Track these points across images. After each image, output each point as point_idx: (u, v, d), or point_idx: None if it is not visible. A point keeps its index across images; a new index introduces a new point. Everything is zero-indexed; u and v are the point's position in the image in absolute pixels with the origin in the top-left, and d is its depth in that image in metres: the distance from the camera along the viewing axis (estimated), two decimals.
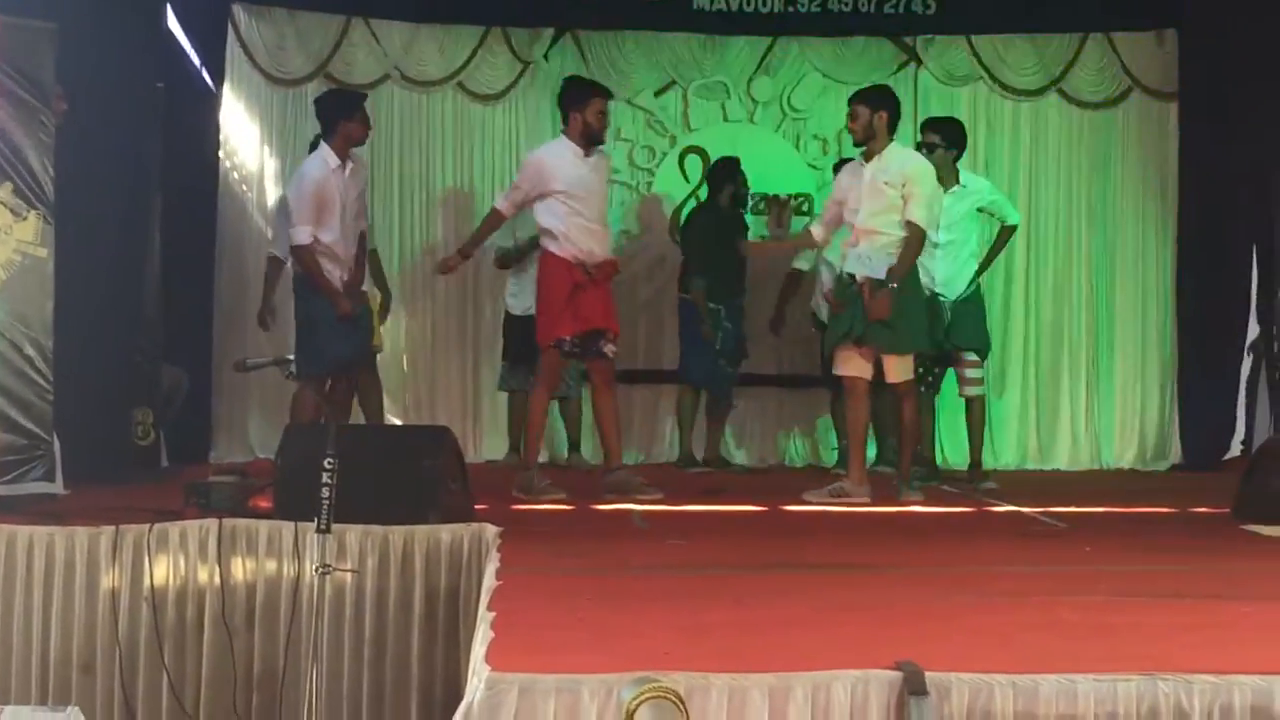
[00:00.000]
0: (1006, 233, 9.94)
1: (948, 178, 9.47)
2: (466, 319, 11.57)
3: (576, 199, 8.77)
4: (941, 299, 9.50)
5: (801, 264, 10.98)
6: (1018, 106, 11.79)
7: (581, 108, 8.85)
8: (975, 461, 9.82)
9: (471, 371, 11.69)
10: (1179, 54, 11.69)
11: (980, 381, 9.76)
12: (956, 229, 9.55)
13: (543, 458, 10.69)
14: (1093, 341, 11.81)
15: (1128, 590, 5.68)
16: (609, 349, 8.94)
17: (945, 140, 9.61)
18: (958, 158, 9.69)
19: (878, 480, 9.07)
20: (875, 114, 8.80)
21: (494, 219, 9.01)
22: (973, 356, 9.65)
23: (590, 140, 8.87)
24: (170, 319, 9.77)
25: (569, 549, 6.76)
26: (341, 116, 8.93)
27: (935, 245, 9.39)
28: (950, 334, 9.53)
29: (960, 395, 9.82)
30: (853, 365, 8.78)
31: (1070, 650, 4.48)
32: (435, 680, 6.83)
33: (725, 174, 10.93)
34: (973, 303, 9.69)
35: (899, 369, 8.82)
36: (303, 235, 8.84)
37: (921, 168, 8.87)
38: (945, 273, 9.54)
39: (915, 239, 8.70)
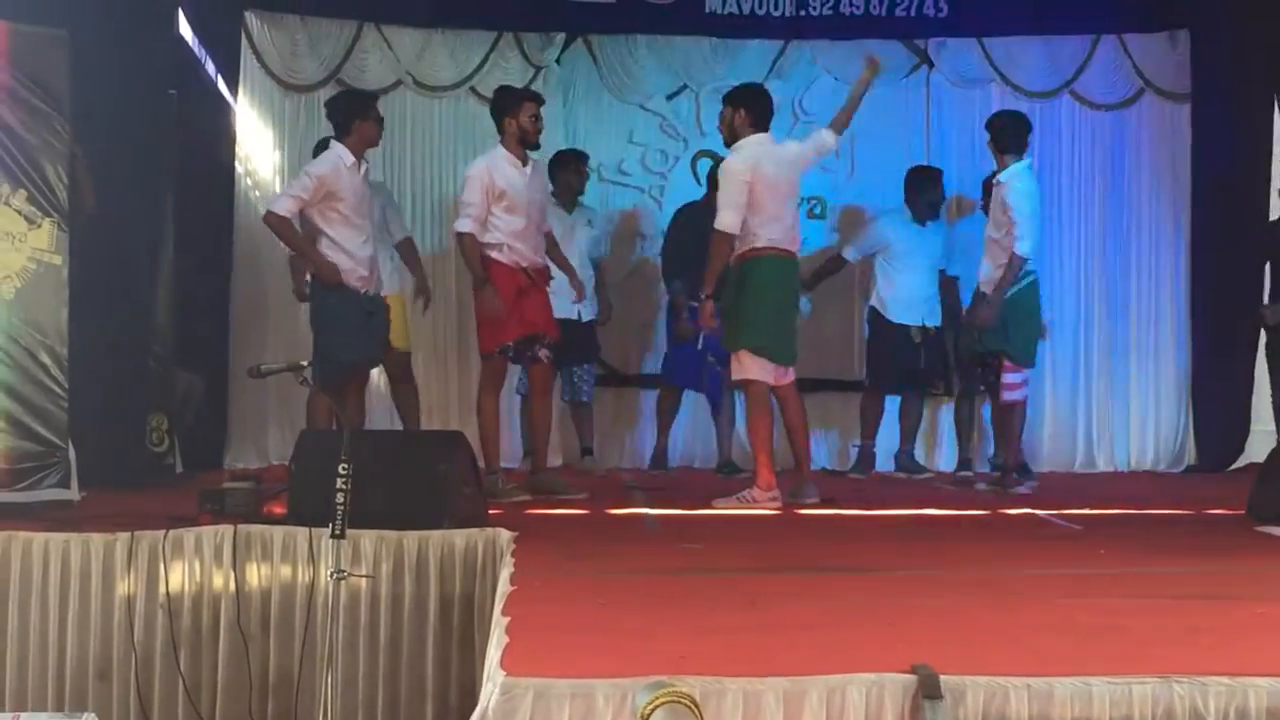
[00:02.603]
0: (1012, 259, 9.34)
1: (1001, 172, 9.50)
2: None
3: (518, 209, 8.87)
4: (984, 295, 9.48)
5: (849, 253, 11.03)
6: (1030, 108, 11.78)
7: (515, 113, 8.97)
8: (1005, 465, 9.76)
9: None
10: (1191, 55, 11.69)
11: (1015, 386, 9.55)
12: (995, 225, 9.44)
13: (556, 460, 10.75)
14: (1107, 343, 11.81)
15: (1142, 592, 5.68)
16: (544, 354, 9.07)
17: (992, 134, 9.64)
18: (1003, 148, 9.56)
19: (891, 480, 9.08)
20: (735, 112, 8.85)
21: (472, 242, 8.84)
22: (1006, 361, 9.53)
23: (526, 145, 9.00)
24: (185, 325, 9.80)
25: (583, 553, 6.76)
26: (357, 116, 8.87)
27: (988, 241, 9.49)
28: (983, 337, 9.47)
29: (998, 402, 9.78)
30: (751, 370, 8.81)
31: (1085, 653, 4.47)
32: (450, 685, 6.83)
33: (713, 176, 10.95)
34: (1014, 305, 9.44)
35: (733, 367, 8.93)
36: (283, 205, 8.71)
37: (726, 166, 8.79)
38: (987, 271, 9.49)
39: (713, 242, 8.72)
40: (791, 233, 8.85)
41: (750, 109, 8.84)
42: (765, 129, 8.86)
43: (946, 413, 11.72)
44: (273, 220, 8.73)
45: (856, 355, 11.34)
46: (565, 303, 10.34)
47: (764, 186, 8.65)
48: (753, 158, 8.71)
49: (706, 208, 10.77)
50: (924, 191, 10.94)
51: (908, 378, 10.99)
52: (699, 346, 10.66)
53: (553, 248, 9.52)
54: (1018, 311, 9.48)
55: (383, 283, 9.23)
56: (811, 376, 10.84)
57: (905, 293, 10.87)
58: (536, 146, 9.15)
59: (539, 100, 9.21)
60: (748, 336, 8.77)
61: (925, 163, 11.45)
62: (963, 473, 10.92)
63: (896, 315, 10.87)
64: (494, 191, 8.81)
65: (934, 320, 10.90)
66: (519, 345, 8.93)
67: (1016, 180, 9.46)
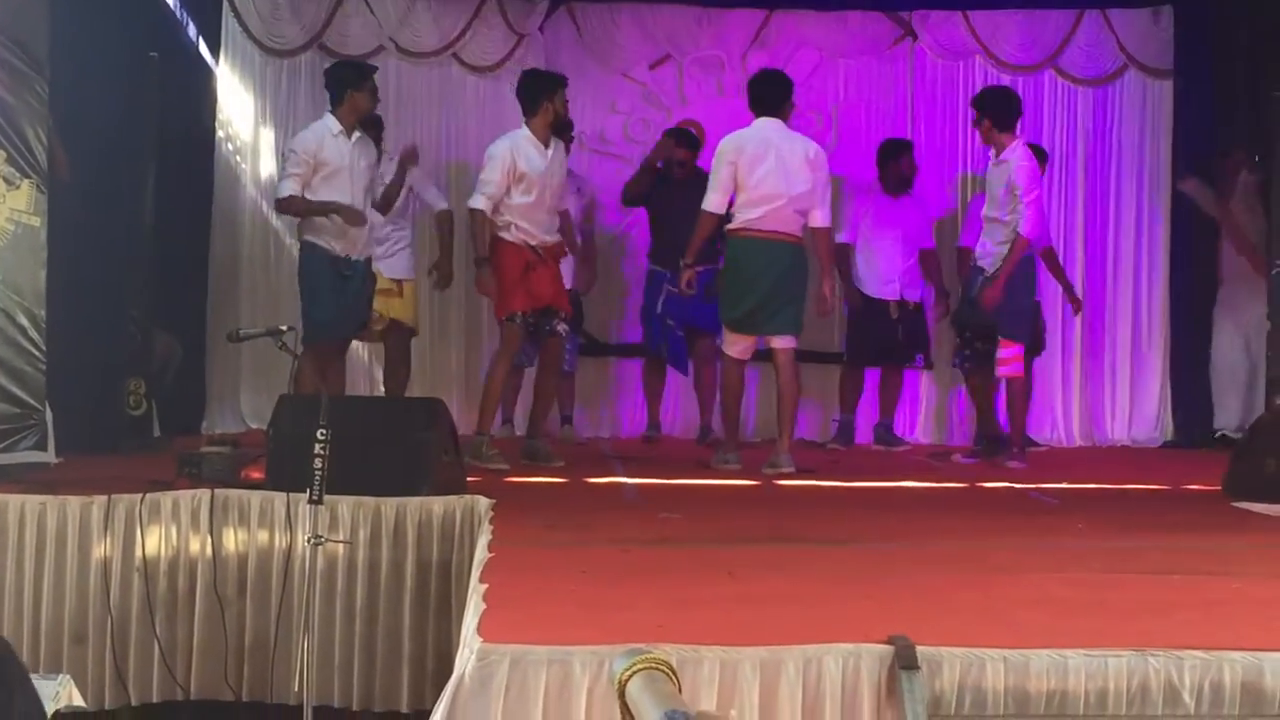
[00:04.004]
0: (1017, 242, 9.32)
1: (997, 149, 9.48)
2: (463, 291, 11.54)
3: (534, 190, 8.95)
4: (985, 275, 9.45)
5: (843, 237, 10.93)
6: (1013, 82, 11.76)
7: (551, 97, 9.04)
8: (1012, 439, 9.77)
9: (467, 343, 11.67)
10: (1174, 31, 11.67)
11: (1010, 361, 9.50)
12: (996, 204, 9.41)
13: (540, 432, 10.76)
14: (1086, 318, 11.80)
15: (1119, 566, 5.70)
16: (561, 327, 9.19)
17: (983, 113, 9.54)
18: (1003, 126, 9.49)
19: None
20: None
21: (484, 219, 8.92)
22: (1005, 336, 9.51)
23: (558, 129, 9.12)
24: (164, 289, 9.77)
25: (561, 522, 6.76)
26: (349, 87, 8.91)
27: (986, 220, 9.52)
28: (979, 312, 9.46)
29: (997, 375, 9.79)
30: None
31: (1061, 626, 4.48)
32: (427, 651, 6.84)
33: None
34: (1011, 283, 9.38)
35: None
36: (287, 188, 8.78)
37: (720, 148, 9.14)
38: (986, 249, 9.47)
39: (699, 222, 9.09)
40: (779, 214, 8.94)
41: (748, 96, 9.25)
42: (765, 113, 9.07)
43: (928, 386, 11.74)
44: (282, 205, 8.93)
45: (837, 328, 11.32)
46: None
47: (743, 171, 8.90)
48: (735, 142, 9.05)
49: (662, 175, 10.86)
50: (891, 164, 10.96)
51: (886, 352, 11.00)
52: (659, 310, 10.67)
53: (567, 227, 9.75)
54: (1015, 289, 9.47)
55: (372, 251, 9.26)
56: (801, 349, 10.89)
57: (881, 267, 10.89)
58: (569, 126, 9.26)
59: (566, 83, 9.28)
60: (722, 310, 9.19)
61: (908, 136, 11.44)
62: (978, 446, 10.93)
63: (873, 290, 10.89)
64: (515, 173, 8.89)
65: (912, 294, 10.91)
66: (536, 319, 9.04)
67: (1025, 160, 9.46)
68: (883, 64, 11.90)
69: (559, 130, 9.16)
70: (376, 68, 9.59)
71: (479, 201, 8.92)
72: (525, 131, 9.03)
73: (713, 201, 9.00)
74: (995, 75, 11.68)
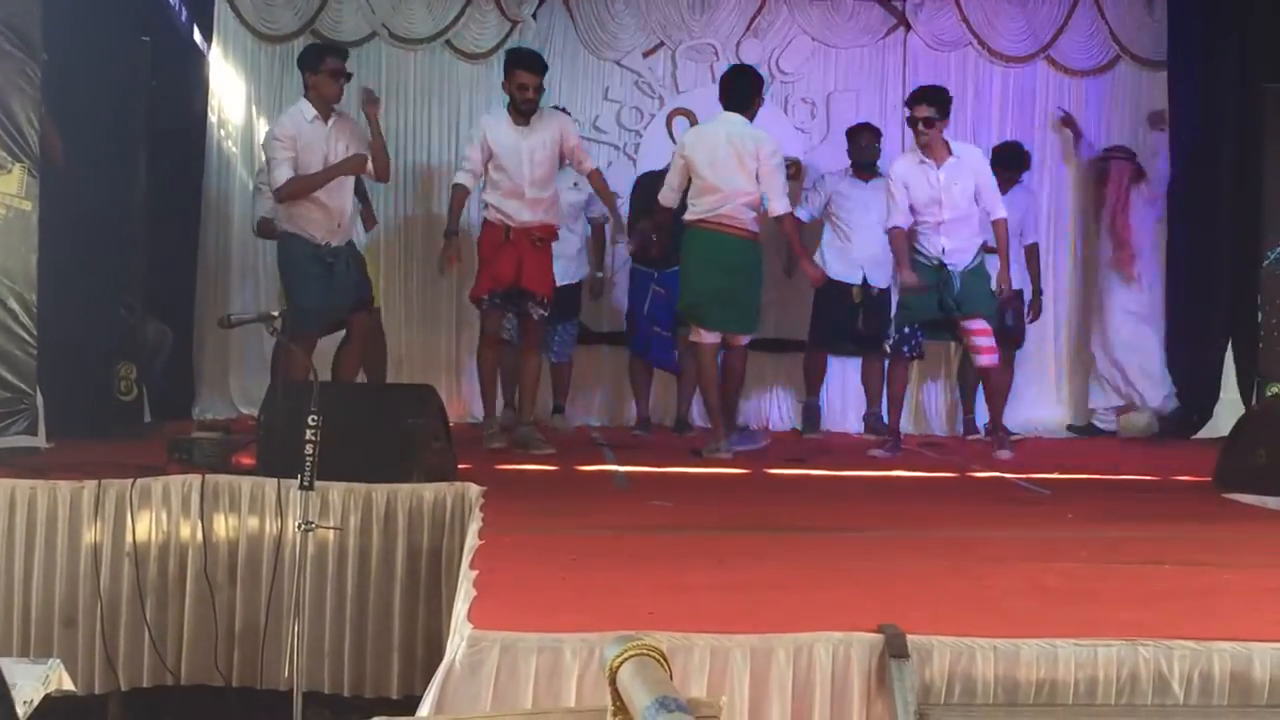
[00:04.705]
0: (1001, 226, 9.34)
1: (939, 152, 9.24)
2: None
3: (505, 168, 9.04)
4: (950, 268, 9.39)
5: (800, 213, 10.83)
6: (1006, 72, 11.78)
7: (506, 79, 9.19)
8: (994, 427, 9.80)
9: (458, 329, 11.66)
10: (1168, 22, 11.66)
11: (992, 350, 9.49)
12: (954, 205, 9.25)
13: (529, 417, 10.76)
14: (1078, 309, 11.81)
15: (1109, 556, 5.70)
16: (536, 312, 9.19)
17: (941, 113, 9.23)
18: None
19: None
20: None
21: (458, 196, 9.12)
22: (981, 324, 9.44)
23: (516, 110, 9.08)
24: (155, 274, 9.75)
25: (551, 509, 6.77)
26: (308, 70, 8.87)
27: (939, 223, 9.29)
28: (960, 303, 9.42)
29: (976, 367, 9.76)
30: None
31: (1051, 615, 4.49)
32: (417, 638, 6.84)
33: None
34: (980, 274, 9.42)
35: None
36: (280, 175, 8.70)
37: (677, 142, 9.69)
38: (951, 246, 9.33)
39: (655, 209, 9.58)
40: (724, 207, 9.01)
41: (719, 89, 9.42)
42: (730, 109, 9.20)
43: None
44: (283, 192, 8.73)
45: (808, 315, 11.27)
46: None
47: (694, 164, 9.08)
48: (687, 136, 9.54)
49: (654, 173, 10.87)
50: (853, 149, 11.01)
51: (846, 337, 10.97)
52: (645, 311, 10.66)
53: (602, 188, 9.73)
54: (983, 277, 9.47)
55: (353, 235, 9.27)
56: (775, 336, 10.89)
57: (848, 251, 10.89)
58: (527, 112, 9.04)
59: (530, 69, 9.09)
60: (680, 301, 9.46)
61: (902, 126, 11.41)
62: (971, 436, 10.95)
63: (837, 273, 10.80)
64: (486, 149, 9.06)
65: (878, 280, 10.84)
66: (503, 300, 9.14)
67: (981, 153, 9.56)
68: (876, 54, 11.91)
69: (519, 112, 9.07)
70: (345, 52, 9.48)
71: (458, 177, 9.25)
72: (502, 109, 9.21)
73: (665, 195, 9.31)
74: (988, 66, 11.70)
